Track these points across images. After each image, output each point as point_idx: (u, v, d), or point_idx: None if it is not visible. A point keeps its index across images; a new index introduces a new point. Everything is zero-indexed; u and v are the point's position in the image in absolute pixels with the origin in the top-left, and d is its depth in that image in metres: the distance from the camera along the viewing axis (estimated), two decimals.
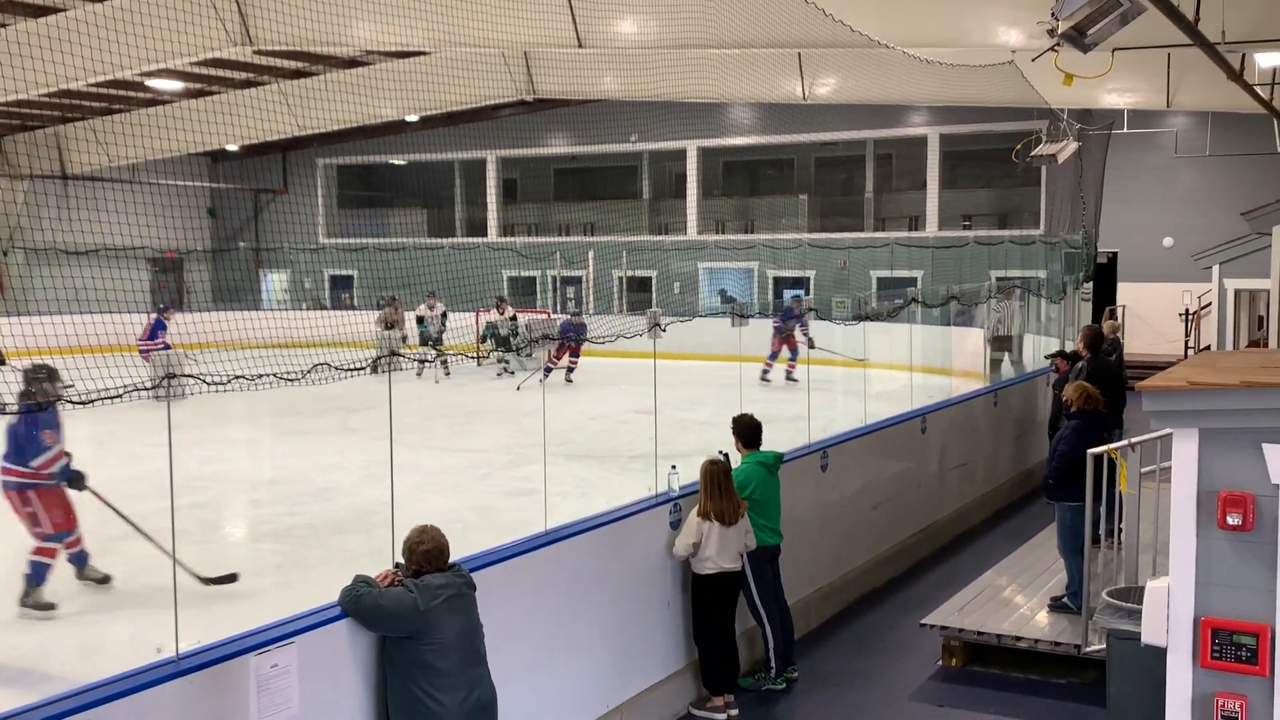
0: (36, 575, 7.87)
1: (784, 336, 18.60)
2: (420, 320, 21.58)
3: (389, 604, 4.76)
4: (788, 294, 25.15)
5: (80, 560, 8.27)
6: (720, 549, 6.85)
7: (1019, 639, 7.61)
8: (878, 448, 9.97)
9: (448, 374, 20.52)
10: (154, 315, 18.74)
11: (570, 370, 19.51)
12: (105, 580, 8.28)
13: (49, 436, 7.91)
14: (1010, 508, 12.59)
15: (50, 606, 7.84)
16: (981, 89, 14.65)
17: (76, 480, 8.04)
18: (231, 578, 8.01)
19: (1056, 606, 8.03)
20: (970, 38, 12.07)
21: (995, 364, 17.41)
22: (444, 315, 21.73)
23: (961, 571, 9.65)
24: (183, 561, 7.19)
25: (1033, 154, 16.46)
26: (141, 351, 16.94)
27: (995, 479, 12.64)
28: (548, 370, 18.22)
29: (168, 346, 17.79)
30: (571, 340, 18.65)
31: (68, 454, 8.08)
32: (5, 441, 7.85)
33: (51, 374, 7.78)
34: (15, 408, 7.59)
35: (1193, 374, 4.60)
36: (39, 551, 7.93)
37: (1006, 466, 13.05)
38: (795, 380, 18.16)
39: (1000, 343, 18.11)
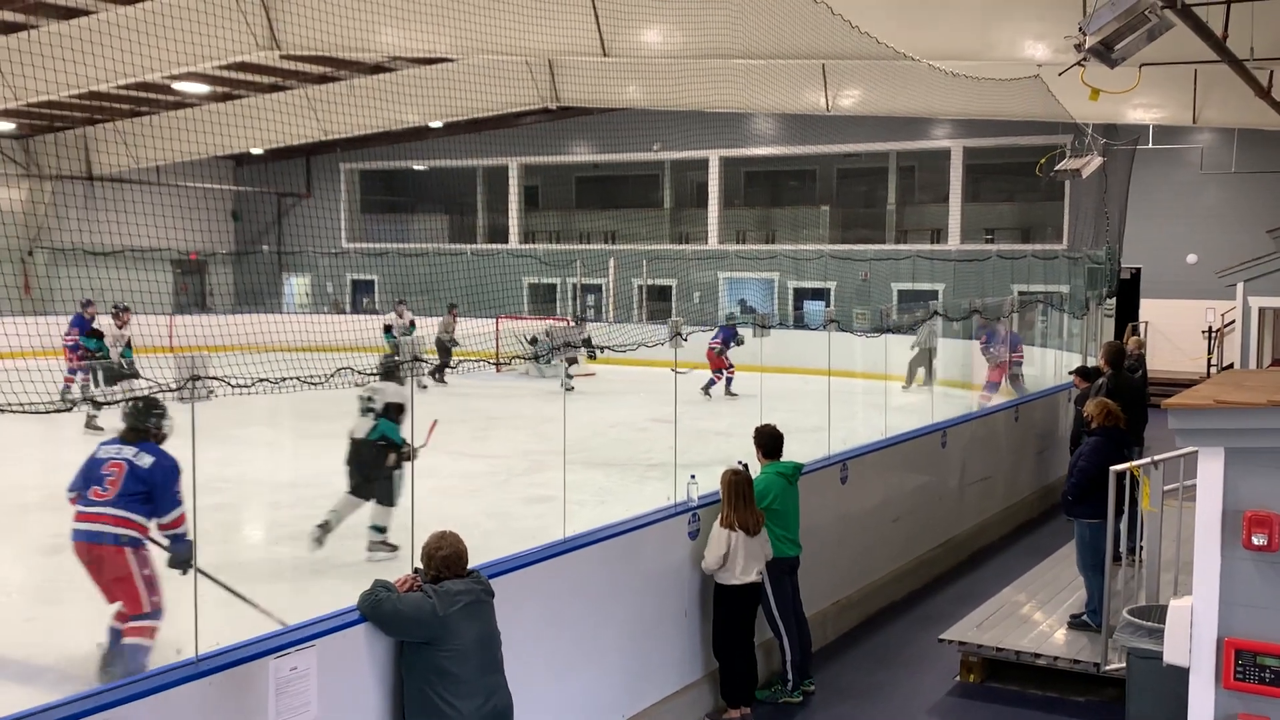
0: (137, 660, 6.13)
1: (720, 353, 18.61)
2: (388, 329, 21.48)
3: (407, 609, 4.77)
4: (809, 305, 25.17)
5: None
6: (746, 560, 6.85)
7: (1038, 656, 7.56)
8: (898, 461, 9.93)
9: (423, 387, 18.41)
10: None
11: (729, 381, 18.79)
12: None
13: (181, 489, 6.32)
14: (1030, 523, 12.51)
15: None
16: (1007, 103, 14.64)
17: (188, 556, 6.14)
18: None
19: (1076, 624, 7.97)
20: (996, 51, 12.05)
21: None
22: (411, 324, 21.49)
23: (981, 587, 9.59)
24: (268, 611, 6.19)
25: (1057, 168, 16.41)
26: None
27: (1016, 494, 12.58)
28: (712, 382, 18.41)
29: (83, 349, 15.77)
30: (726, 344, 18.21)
31: None
32: (123, 486, 6.27)
33: (159, 409, 6.51)
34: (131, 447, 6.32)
35: (1219, 392, 4.57)
36: (138, 632, 6.24)
37: (1027, 482, 12.98)
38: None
39: (920, 358, 18.23)
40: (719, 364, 18.48)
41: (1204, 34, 8.00)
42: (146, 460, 6.30)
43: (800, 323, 23.53)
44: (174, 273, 29.04)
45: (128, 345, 15.72)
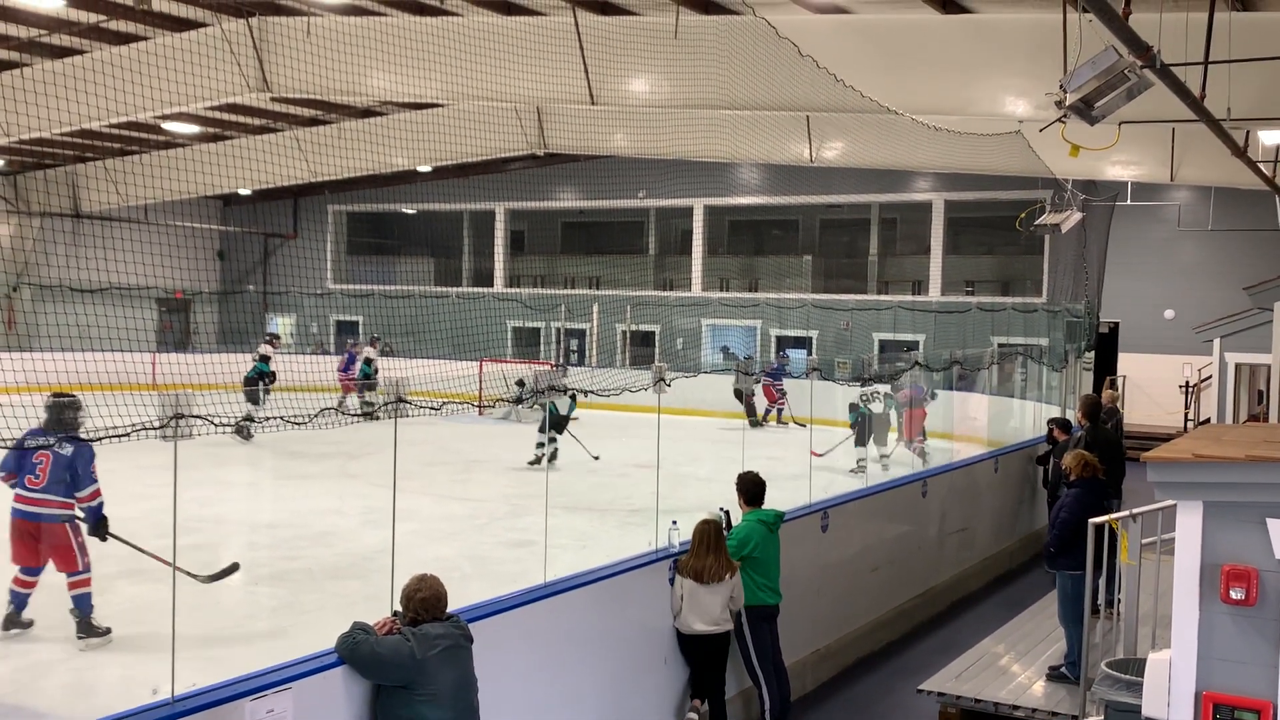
0: (87, 605, 7.78)
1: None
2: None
3: (386, 652, 4.75)
4: (791, 353, 25.30)
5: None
6: (692, 608, 6.82)
7: (1016, 707, 7.56)
8: (878, 510, 9.96)
9: (245, 438, 17.51)
10: (350, 346, 21.32)
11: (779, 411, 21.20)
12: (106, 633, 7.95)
13: (95, 469, 7.75)
14: (1009, 574, 12.54)
15: (107, 631, 7.80)
16: (988, 157, 14.83)
17: (104, 525, 7.76)
18: (233, 568, 8.10)
19: (1055, 675, 7.98)
20: (978, 106, 12.24)
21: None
22: (262, 359, 20.76)
23: (959, 637, 9.59)
24: (181, 566, 6.86)
25: (1037, 223, 16.61)
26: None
27: (995, 545, 12.61)
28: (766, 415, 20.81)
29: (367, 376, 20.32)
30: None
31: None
32: (51, 474, 7.64)
33: (76, 405, 7.86)
34: (54, 437, 7.56)
35: (1198, 446, 4.63)
36: (81, 584, 7.76)
37: (1006, 533, 13.01)
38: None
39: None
40: (773, 396, 21.50)
41: (1182, 94, 8.14)
42: (68, 449, 7.62)
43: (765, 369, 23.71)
44: (158, 311, 28.96)
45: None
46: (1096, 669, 6.67)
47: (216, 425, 5.80)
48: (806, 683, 8.40)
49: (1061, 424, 12.40)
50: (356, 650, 4.75)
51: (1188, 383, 22.67)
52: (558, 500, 12.46)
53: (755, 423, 21.17)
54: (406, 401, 6.31)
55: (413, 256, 31.89)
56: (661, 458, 7.92)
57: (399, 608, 5.06)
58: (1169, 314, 23.25)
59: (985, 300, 24.75)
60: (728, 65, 12.47)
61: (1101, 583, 7.25)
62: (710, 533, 6.88)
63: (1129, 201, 22.17)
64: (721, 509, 7.23)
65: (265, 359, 18.81)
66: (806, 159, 17.61)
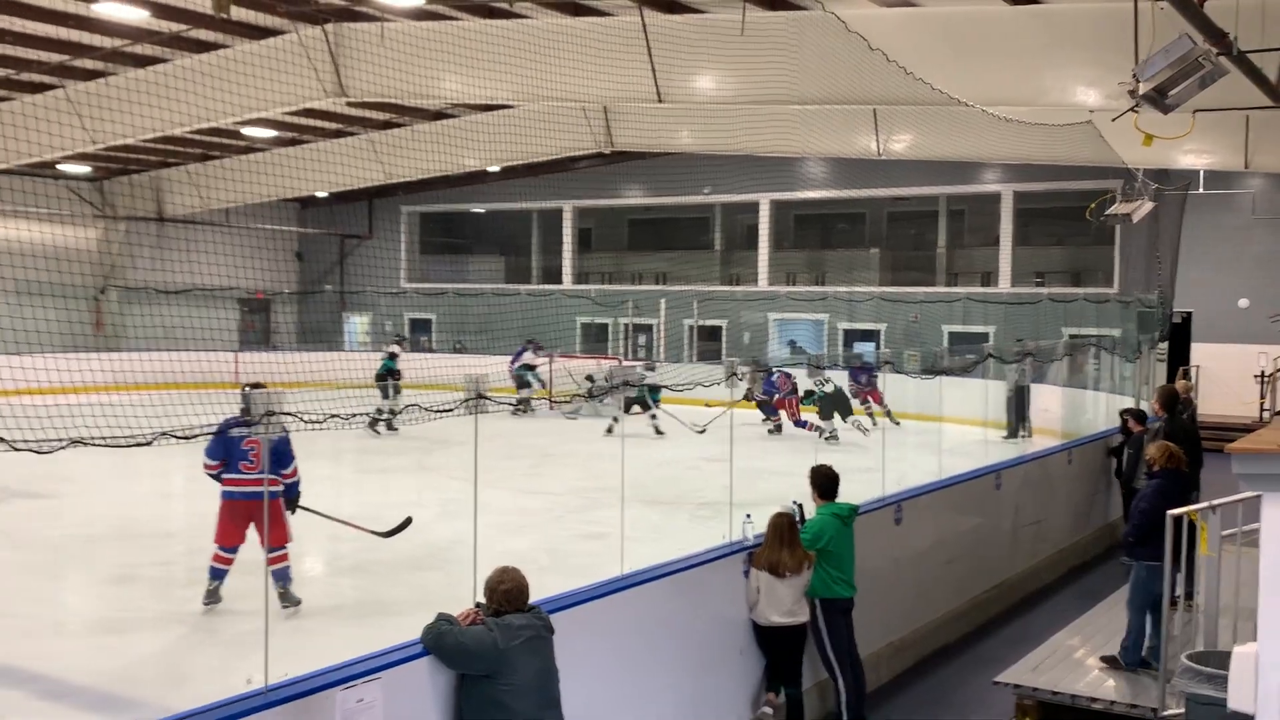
0: (289, 576, 8.49)
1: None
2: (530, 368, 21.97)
3: (469, 642, 4.81)
4: (859, 346, 25.20)
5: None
6: (769, 601, 6.90)
7: (1094, 700, 7.52)
8: (952, 503, 9.95)
9: (392, 430, 17.87)
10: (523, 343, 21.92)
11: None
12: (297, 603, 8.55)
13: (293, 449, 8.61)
14: (1083, 566, 12.43)
15: (298, 601, 8.48)
16: (1058, 147, 14.67)
17: (296, 499, 8.65)
18: (407, 522, 8.80)
19: (1109, 660, 7.96)
20: (1048, 97, 12.13)
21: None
22: (391, 357, 20.77)
23: (1034, 630, 9.55)
24: (358, 524, 8.46)
25: (1107, 213, 16.37)
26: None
27: (1069, 537, 12.51)
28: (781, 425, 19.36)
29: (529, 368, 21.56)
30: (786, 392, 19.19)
31: None
32: (264, 457, 8.29)
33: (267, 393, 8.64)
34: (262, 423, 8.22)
35: None
36: (282, 559, 8.41)
37: (1080, 525, 12.90)
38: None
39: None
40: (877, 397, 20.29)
41: (1257, 80, 8.06)
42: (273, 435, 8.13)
43: (850, 364, 23.55)
44: (240, 311, 29.69)
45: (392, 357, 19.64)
46: (1176, 661, 6.64)
47: (306, 421, 5.99)
48: (882, 674, 8.44)
49: (1136, 415, 12.26)
50: (441, 640, 4.83)
51: (1263, 372, 22.18)
52: (629, 493, 12.57)
53: (776, 428, 19.64)
54: (486, 398, 6.48)
55: (483, 255, 32.32)
56: (733, 451, 8.00)
57: (482, 599, 5.13)
58: (1243, 303, 22.75)
59: (1056, 291, 24.41)
60: (795, 60, 12.49)
61: (1180, 575, 7.20)
62: (785, 526, 6.96)
63: (1202, 190, 21.73)
64: (795, 502, 7.30)
65: (393, 356, 19.54)
66: (874, 152, 17.53)
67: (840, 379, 19.12)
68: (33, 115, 16.29)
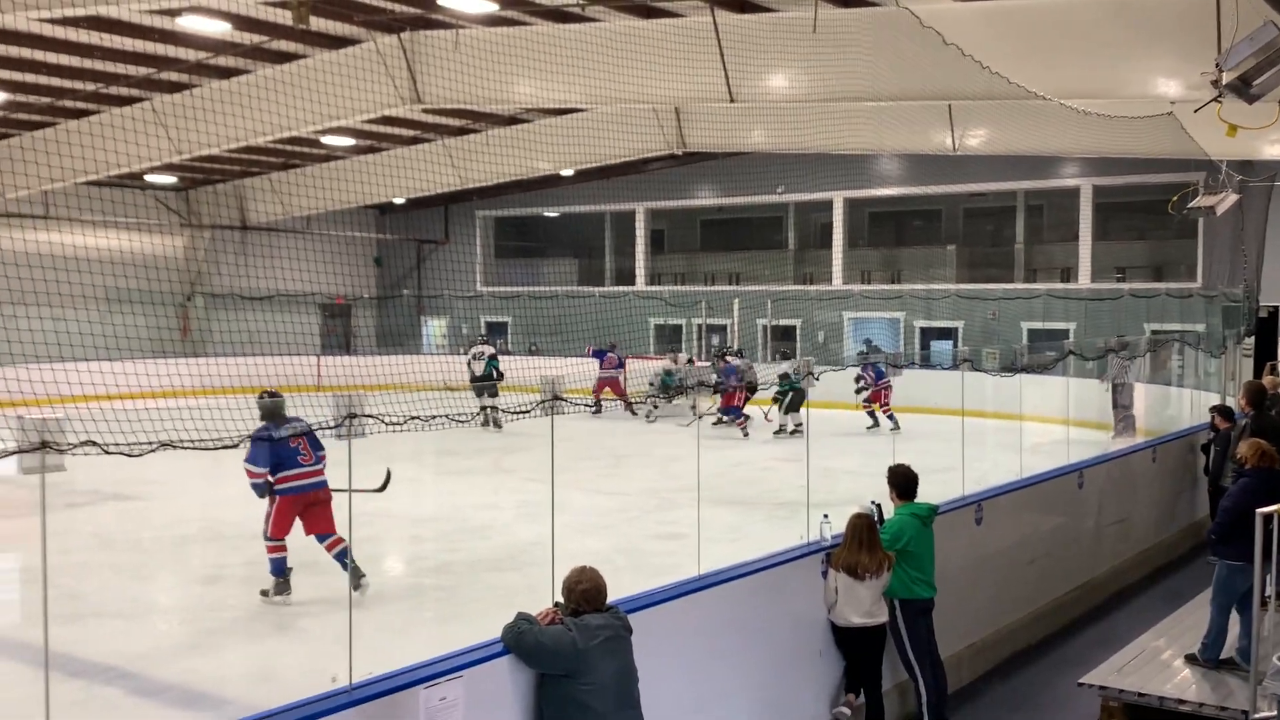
0: (344, 558, 8.87)
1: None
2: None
3: (549, 641, 4.84)
4: (936, 345, 24.91)
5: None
6: (848, 601, 6.87)
7: (1182, 702, 7.38)
8: (1033, 502, 9.81)
9: (498, 427, 18.30)
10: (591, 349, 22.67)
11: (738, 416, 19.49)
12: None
13: None
14: (1168, 566, 12.16)
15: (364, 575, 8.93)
16: (1138, 140, 14.34)
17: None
18: (388, 476, 9.39)
19: (1189, 658, 7.79)
20: (1128, 89, 11.88)
21: None
22: (493, 357, 21.04)
23: (1119, 631, 9.39)
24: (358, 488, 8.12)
25: (1190, 206, 15.96)
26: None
27: (1154, 536, 12.25)
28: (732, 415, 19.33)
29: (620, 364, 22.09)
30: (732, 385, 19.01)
31: None
32: (313, 448, 9.00)
33: (280, 398, 9.37)
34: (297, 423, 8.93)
35: None
36: (339, 541, 8.97)
37: (1165, 524, 12.63)
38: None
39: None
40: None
41: None
42: (306, 425, 8.73)
43: (927, 363, 23.28)
44: (321, 316, 30.30)
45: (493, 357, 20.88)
46: (1267, 663, 6.49)
47: (387, 424, 6.10)
48: (963, 675, 8.36)
49: (1224, 411, 11.97)
50: (521, 640, 4.86)
51: None
52: (704, 494, 12.59)
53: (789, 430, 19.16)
54: (562, 399, 6.55)
55: (557, 258, 32.59)
56: (808, 451, 7.98)
57: (560, 599, 5.16)
58: None
59: (1138, 286, 23.88)
60: (868, 57, 12.40)
61: (1271, 574, 7.02)
62: (864, 527, 6.91)
63: None
64: (873, 502, 7.25)
65: (494, 357, 20.39)
66: (949, 147, 17.31)
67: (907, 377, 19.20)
68: (121, 128, 16.75)
